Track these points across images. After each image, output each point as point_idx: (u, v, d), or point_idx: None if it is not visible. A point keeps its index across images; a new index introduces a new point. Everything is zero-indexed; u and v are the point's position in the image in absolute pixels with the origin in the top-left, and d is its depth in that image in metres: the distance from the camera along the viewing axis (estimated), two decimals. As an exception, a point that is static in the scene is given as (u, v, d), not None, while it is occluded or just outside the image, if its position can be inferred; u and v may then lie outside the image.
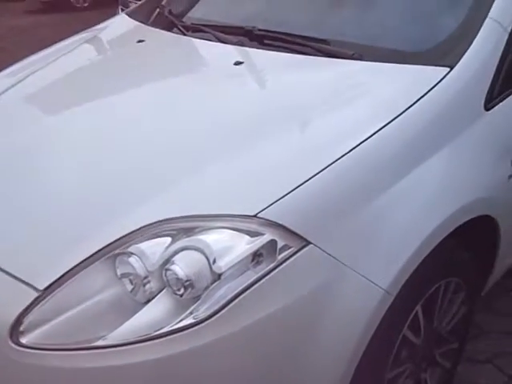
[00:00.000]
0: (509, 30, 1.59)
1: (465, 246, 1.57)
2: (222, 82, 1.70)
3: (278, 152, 1.35)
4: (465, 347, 1.76)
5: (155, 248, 1.21)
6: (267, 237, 1.19)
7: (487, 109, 1.53)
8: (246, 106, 1.54)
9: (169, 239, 1.22)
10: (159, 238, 1.22)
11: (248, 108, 1.53)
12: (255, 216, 1.19)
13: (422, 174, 1.39)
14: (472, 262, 1.64)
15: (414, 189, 1.37)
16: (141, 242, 1.22)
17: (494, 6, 1.59)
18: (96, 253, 1.22)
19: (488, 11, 1.58)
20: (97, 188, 1.38)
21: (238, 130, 1.44)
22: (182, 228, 1.21)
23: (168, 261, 1.18)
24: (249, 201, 1.23)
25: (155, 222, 1.23)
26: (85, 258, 1.22)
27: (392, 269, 1.29)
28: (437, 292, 1.52)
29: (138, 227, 1.23)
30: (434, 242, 1.37)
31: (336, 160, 1.28)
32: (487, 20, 1.57)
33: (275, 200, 1.21)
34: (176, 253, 1.19)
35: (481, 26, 1.56)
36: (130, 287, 1.21)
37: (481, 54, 1.54)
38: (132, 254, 1.21)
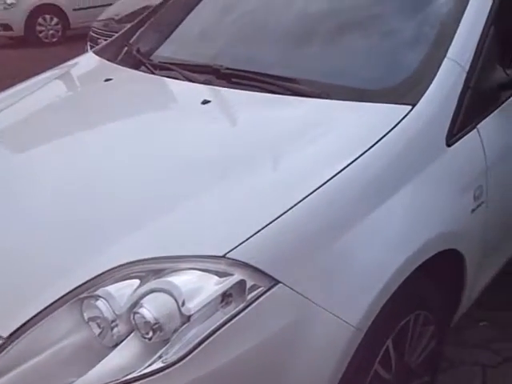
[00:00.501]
0: (466, 69, 1.65)
1: (433, 279, 1.59)
2: (189, 120, 1.71)
3: (245, 191, 1.36)
4: (436, 380, 1.77)
5: (123, 290, 1.20)
6: (236, 277, 1.19)
7: (449, 145, 1.57)
8: (214, 144, 1.55)
9: (137, 281, 1.21)
10: (128, 280, 1.21)
11: (215, 147, 1.54)
12: (224, 256, 1.19)
13: (388, 210, 1.41)
14: (440, 295, 1.66)
15: (380, 224, 1.39)
16: (109, 284, 1.20)
17: (451, 46, 1.65)
18: (62, 297, 1.20)
19: (446, 51, 1.64)
20: (64, 230, 1.36)
21: (206, 169, 1.44)
22: (150, 270, 1.21)
23: (136, 303, 1.17)
24: (217, 241, 1.23)
25: (123, 264, 1.22)
26: (51, 302, 1.19)
27: (361, 305, 1.30)
28: (407, 326, 1.53)
29: (105, 269, 1.21)
30: (401, 276, 1.39)
31: (303, 198, 1.30)
32: (446, 59, 1.63)
33: (244, 240, 1.21)
34: (144, 295, 1.18)
35: (440, 65, 1.62)
36: (97, 331, 1.19)
37: (441, 92, 1.59)
38: (99, 297, 1.19)
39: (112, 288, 1.19)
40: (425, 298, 1.60)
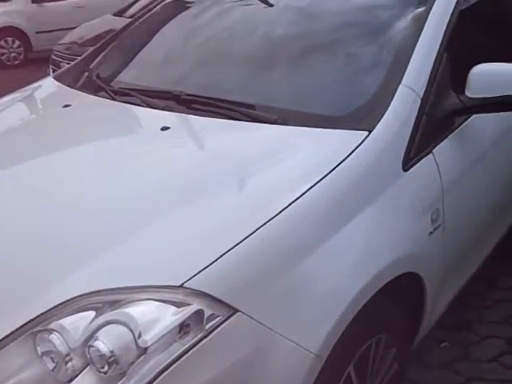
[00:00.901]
0: (421, 95, 1.69)
1: (393, 302, 1.60)
2: (147, 147, 1.69)
3: (204, 218, 1.35)
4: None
5: (78, 323, 1.17)
6: (194, 307, 1.17)
7: (405, 170, 1.60)
8: (172, 171, 1.54)
9: (93, 313, 1.18)
10: (82, 313, 1.18)
11: (173, 173, 1.53)
12: (181, 286, 1.18)
13: (347, 235, 1.42)
14: (401, 318, 1.67)
15: (339, 249, 1.40)
16: (63, 317, 1.17)
17: (406, 73, 1.69)
18: (15, 331, 1.17)
19: (401, 78, 1.68)
20: (17, 261, 1.33)
21: (164, 196, 1.43)
22: (106, 301, 1.18)
23: (91, 336, 1.14)
24: (175, 270, 1.22)
25: (78, 296, 1.19)
26: (2, 337, 1.16)
27: (321, 331, 1.30)
28: (368, 350, 1.54)
29: (59, 302, 1.18)
30: (361, 301, 1.40)
31: (262, 225, 1.30)
32: (401, 86, 1.67)
33: (201, 269, 1.20)
34: (100, 327, 1.15)
35: (395, 91, 1.65)
36: (51, 366, 1.16)
37: (396, 118, 1.63)
38: (53, 330, 1.16)
39: (66, 321, 1.17)
40: (386, 321, 1.61)
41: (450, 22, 1.87)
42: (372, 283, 1.42)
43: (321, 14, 2.13)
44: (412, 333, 1.79)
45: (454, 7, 1.92)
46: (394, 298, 1.58)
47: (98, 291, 1.19)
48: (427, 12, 1.87)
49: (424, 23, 1.83)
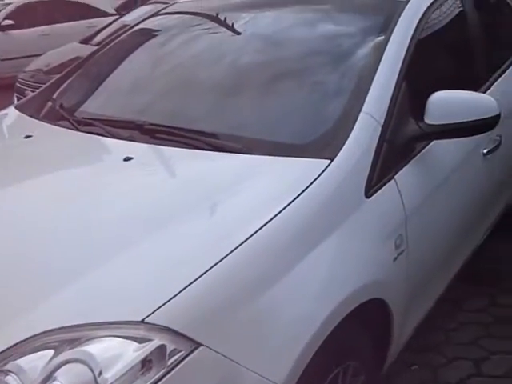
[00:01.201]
0: (381, 123, 1.71)
1: (360, 329, 1.60)
2: (109, 178, 1.67)
3: (165, 250, 1.33)
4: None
5: (35, 363, 1.13)
6: (156, 342, 1.15)
7: (368, 196, 1.61)
8: (132, 203, 1.52)
9: (51, 352, 1.15)
10: (41, 352, 1.15)
11: (134, 205, 1.51)
12: (142, 321, 1.15)
13: (311, 263, 1.42)
14: (369, 344, 1.67)
15: (304, 278, 1.39)
16: (19, 357, 1.14)
17: (366, 101, 1.72)
18: None
19: (361, 106, 1.71)
20: None
21: (125, 228, 1.41)
22: (64, 339, 1.15)
23: (49, 377, 1.11)
24: (136, 305, 1.19)
25: (36, 335, 1.15)
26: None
27: (286, 362, 1.29)
28: (336, 378, 1.53)
29: (16, 341, 1.15)
30: (327, 329, 1.39)
31: (225, 256, 1.29)
32: (361, 114, 1.69)
33: (163, 303, 1.18)
34: (58, 367, 1.12)
35: (356, 119, 1.68)
36: (8, 408, 1.12)
37: (358, 145, 1.65)
38: (9, 372, 1.12)
39: (23, 361, 1.13)
40: (353, 348, 1.61)
41: (408, 50, 1.92)
42: (338, 310, 1.42)
43: (283, 42, 2.16)
44: (380, 358, 1.79)
45: (412, 35, 1.97)
46: (361, 325, 1.58)
47: (57, 329, 1.16)
48: (386, 40, 1.92)
49: (383, 51, 1.88)
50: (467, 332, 2.46)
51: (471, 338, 2.43)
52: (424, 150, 1.86)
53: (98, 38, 5.67)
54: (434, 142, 1.89)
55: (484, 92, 2.37)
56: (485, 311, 2.60)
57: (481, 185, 2.35)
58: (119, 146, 1.79)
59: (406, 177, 1.75)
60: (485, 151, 2.27)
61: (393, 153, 1.72)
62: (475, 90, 2.26)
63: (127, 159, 1.68)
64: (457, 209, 2.13)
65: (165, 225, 1.40)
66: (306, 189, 1.49)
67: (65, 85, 2.44)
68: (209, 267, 1.26)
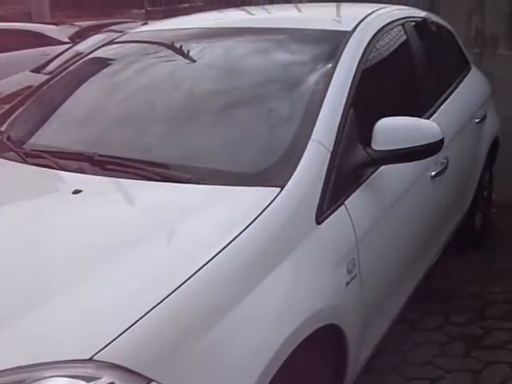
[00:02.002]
0: (330, 150, 1.75)
1: (316, 356, 1.60)
2: (57, 212, 1.64)
3: (113, 285, 1.31)
4: None
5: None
6: (105, 380, 1.12)
7: (319, 223, 1.63)
8: (80, 237, 1.49)
9: None
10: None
11: (82, 239, 1.48)
12: (91, 359, 1.13)
13: (264, 292, 1.42)
14: (325, 370, 1.67)
15: (256, 307, 1.39)
16: None
17: (315, 129, 1.75)
18: None
19: (310, 134, 1.74)
20: None
21: (73, 264, 1.38)
22: (8, 382, 1.11)
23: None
24: (84, 343, 1.17)
25: None
26: None
27: None
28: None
29: None
30: (281, 358, 1.39)
31: (176, 289, 1.27)
32: (310, 141, 1.72)
33: (112, 339, 1.16)
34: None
35: (305, 147, 1.71)
36: None
37: (308, 172, 1.67)
38: None
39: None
40: (309, 375, 1.61)
41: (354, 78, 1.97)
42: (292, 338, 1.42)
43: (234, 72, 2.19)
44: (338, 384, 1.80)
45: (358, 64, 2.03)
46: (316, 352, 1.58)
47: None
48: (333, 69, 1.97)
49: (330, 80, 1.92)
50: (423, 351, 2.50)
51: (427, 357, 2.46)
52: (373, 175, 1.90)
53: (50, 67, 5.61)
54: (382, 167, 1.93)
55: (430, 116, 2.46)
56: (439, 330, 2.65)
57: (430, 206, 2.42)
58: (68, 179, 1.77)
59: (356, 202, 1.79)
60: (432, 174, 2.34)
61: (342, 179, 1.76)
62: (421, 115, 2.35)
63: (76, 192, 1.66)
64: (407, 231, 2.17)
65: (114, 258, 1.38)
66: (257, 217, 1.50)
67: (14, 115, 2.40)
68: (160, 300, 1.25)
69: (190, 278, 1.31)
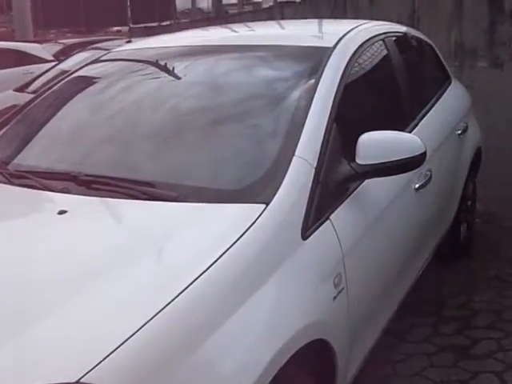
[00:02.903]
0: (314, 165, 1.76)
1: (305, 371, 1.60)
2: (42, 233, 1.63)
3: (101, 305, 1.30)
4: None
5: None
6: None
7: (304, 238, 1.64)
8: (66, 258, 1.48)
9: None
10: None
11: (68, 260, 1.47)
12: (78, 382, 1.12)
13: (251, 309, 1.42)
14: (315, 384, 1.67)
15: (244, 324, 1.39)
16: None
17: (299, 145, 1.77)
18: None
19: (294, 150, 1.75)
20: None
21: (59, 285, 1.37)
22: None
23: None
24: (70, 365, 1.16)
25: None
26: None
27: None
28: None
29: None
30: (270, 374, 1.38)
31: (161, 309, 1.27)
32: (294, 158, 1.74)
33: (99, 361, 1.15)
34: None
35: (289, 163, 1.72)
36: None
37: (292, 189, 1.68)
38: None
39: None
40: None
41: (337, 93, 2.00)
42: (280, 354, 1.42)
43: (218, 89, 2.21)
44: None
45: (340, 79, 2.06)
46: (305, 367, 1.58)
47: None
48: (315, 85, 1.99)
49: (313, 96, 1.94)
50: (412, 363, 2.51)
51: (416, 369, 2.47)
52: (357, 189, 1.92)
53: (34, 86, 5.59)
54: (366, 181, 1.95)
55: (412, 129, 2.49)
56: (427, 341, 2.67)
57: (415, 218, 2.44)
58: (53, 199, 1.76)
59: (341, 216, 1.80)
60: (416, 186, 2.37)
61: (327, 194, 1.77)
62: (403, 128, 2.38)
63: (61, 212, 1.65)
64: (393, 243, 2.19)
65: (100, 278, 1.37)
66: (243, 234, 1.50)
67: (-2, 135, 2.39)
68: (147, 320, 1.24)
69: (176, 297, 1.31)
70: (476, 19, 4.16)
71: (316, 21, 2.87)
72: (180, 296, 1.31)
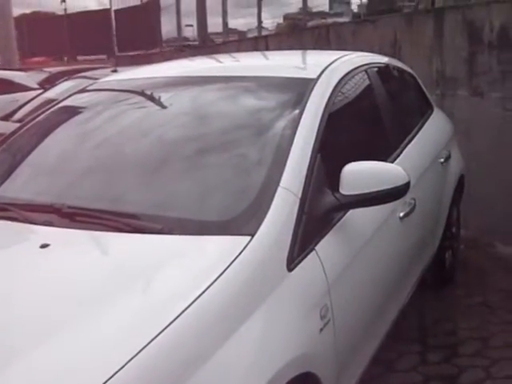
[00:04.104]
0: (299, 196, 1.76)
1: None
2: (24, 268, 1.60)
3: (86, 341, 1.27)
4: None
5: None
6: None
7: (290, 269, 1.63)
8: (47, 294, 1.44)
9: None
10: None
11: (48, 297, 1.44)
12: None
13: (237, 343, 1.40)
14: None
15: (230, 359, 1.37)
16: None
17: (283, 176, 1.77)
18: None
19: (279, 181, 1.76)
20: None
21: (39, 323, 1.34)
22: None
23: None
24: None
25: None
26: None
27: None
28: None
29: None
30: None
31: (144, 347, 1.24)
32: (279, 189, 1.74)
33: None
34: None
35: (274, 194, 1.72)
36: None
37: (277, 220, 1.68)
38: None
39: None
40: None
41: (320, 124, 2.01)
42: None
43: (203, 120, 2.22)
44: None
45: (324, 110, 2.07)
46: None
47: None
48: (299, 116, 2.01)
49: (297, 127, 1.96)
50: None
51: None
52: (342, 219, 1.92)
53: (19, 115, 5.57)
54: (351, 210, 1.96)
55: (395, 158, 2.51)
56: (415, 370, 2.65)
57: (400, 247, 2.45)
58: (36, 232, 1.74)
59: (326, 247, 1.80)
60: (401, 215, 2.38)
61: (312, 224, 1.77)
62: (387, 157, 2.40)
63: (44, 246, 1.63)
64: (379, 273, 2.19)
65: (82, 314, 1.35)
66: (228, 267, 1.49)
67: (-19, 167, 2.37)
68: (131, 357, 1.22)
69: (161, 332, 1.29)
70: (456, 49, 4.24)
71: (300, 52, 2.92)
72: (165, 331, 1.29)
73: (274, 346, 1.50)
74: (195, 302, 1.38)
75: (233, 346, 1.39)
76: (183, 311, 1.35)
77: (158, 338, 1.27)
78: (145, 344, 1.25)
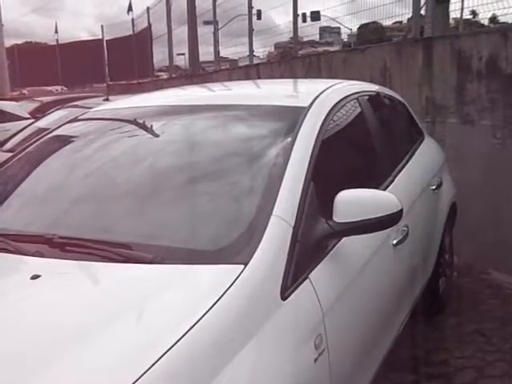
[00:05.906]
0: (292, 224, 1.76)
1: None
2: (14, 300, 1.57)
3: (74, 375, 1.25)
4: None
5: None
6: None
7: (283, 298, 1.61)
8: (37, 327, 1.41)
9: None
10: None
11: (39, 330, 1.40)
12: None
13: (231, 374, 1.38)
14: None
15: None
16: None
17: (276, 204, 1.77)
18: None
19: (272, 210, 1.75)
20: None
21: (29, 355, 1.31)
22: None
23: None
24: None
25: None
26: None
27: None
28: None
29: None
30: None
31: (135, 381, 1.22)
32: (272, 217, 1.73)
33: None
34: None
35: (267, 223, 1.71)
36: None
37: (271, 248, 1.67)
38: None
39: None
40: None
41: (313, 152, 2.02)
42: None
43: (195, 150, 2.22)
44: None
45: (316, 139, 2.08)
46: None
47: None
48: (292, 145, 2.01)
49: (289, 156, 1.96)
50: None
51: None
52: (336, 247, 1.92)
53: (11, 144, 5.56)
54: (344, 238, 1.95)
55: (388, 186, 2.52)
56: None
57: (394, 274, 2.43)
58: (27, 263, 1.72)
59: (320, 275, 1.78)
60: (394, 242, 2.37)
61: (306, 253, 1.76)
62: (379, 185, 2.41)
63: (35, 277, 1.60)
64: (373, 301, 2.17)
65: (74, 346, 1.32)
66: (221, 296, 1.47)
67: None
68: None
69: (153, 364, 1.26)
70: (445, 77, 4.31)
71: (291, 80, 2.94)
72: (156, 364, 1.26)
73: (269, 377, 1.48)
74: (187, 334, 1.36)
75: (226, 377, 1.37)
76: (175, 343, 1.32)
77: (149, 372, 1.24)
78: (136, 378, 1.22)
